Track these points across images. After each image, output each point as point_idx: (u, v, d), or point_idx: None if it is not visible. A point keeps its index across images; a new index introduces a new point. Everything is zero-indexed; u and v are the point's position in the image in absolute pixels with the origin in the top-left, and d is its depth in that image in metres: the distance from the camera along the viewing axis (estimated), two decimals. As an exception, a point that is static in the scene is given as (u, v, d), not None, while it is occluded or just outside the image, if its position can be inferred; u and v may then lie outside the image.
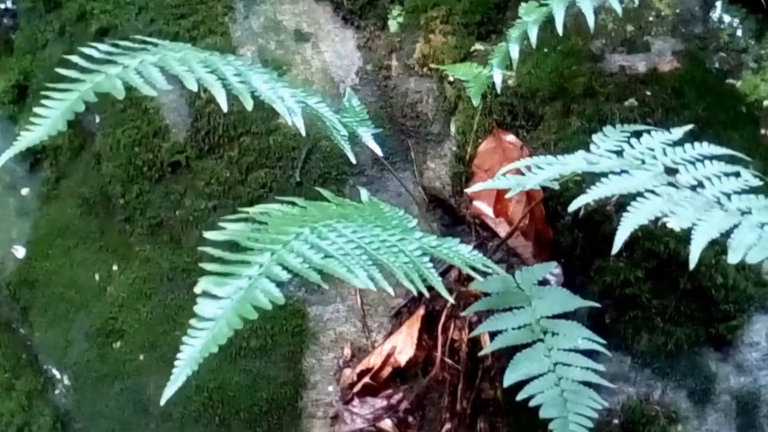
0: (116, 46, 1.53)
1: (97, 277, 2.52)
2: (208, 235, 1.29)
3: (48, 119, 1.42)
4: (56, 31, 2.60)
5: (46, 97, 1.43)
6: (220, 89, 1.53)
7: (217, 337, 1.20)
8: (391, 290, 1.43)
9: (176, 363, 1.23)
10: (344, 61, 2.44)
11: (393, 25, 2.43)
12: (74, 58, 1.47)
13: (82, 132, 2.56)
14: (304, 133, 1.65)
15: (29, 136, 1.42)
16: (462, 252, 1.73)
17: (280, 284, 1.25)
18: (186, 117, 2.42)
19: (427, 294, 1.50)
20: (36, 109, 1.42)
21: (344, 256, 1.38)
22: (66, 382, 2.54)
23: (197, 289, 1.25)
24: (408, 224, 1.68)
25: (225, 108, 1.52)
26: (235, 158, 2.38)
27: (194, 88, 1.51)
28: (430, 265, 1.58)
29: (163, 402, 1.25)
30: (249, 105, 1.56)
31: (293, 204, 1.50)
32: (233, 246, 1.31)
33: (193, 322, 1.22)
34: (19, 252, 2.62)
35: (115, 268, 2.51)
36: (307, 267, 1.31)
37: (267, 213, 1.42)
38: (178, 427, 2.38)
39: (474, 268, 1.72)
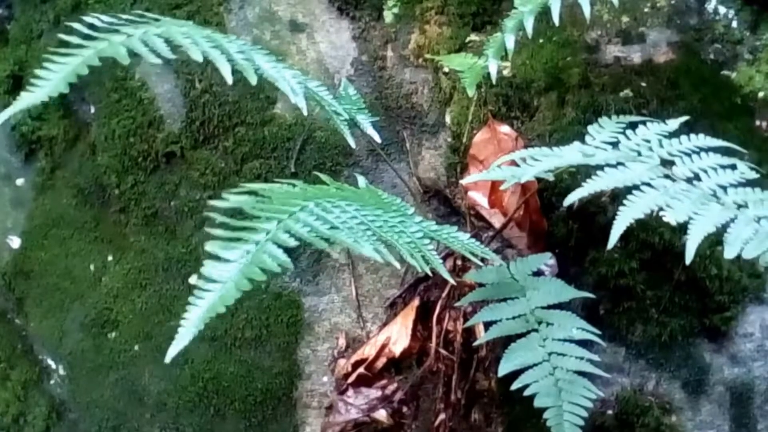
0: (119, 18, 1.52)
1: (92, 267, 2.52)
2: (214, 202, 1.29)
3: (50, 81, 1.40)
4: (51, 21, 2.60)
5: (50, 61, 1.42)
6: (225, 63, 1.52)
7: (225, 298, 1.20)
8: (397, 264, 1.44)
9: (182, 322, 1.22)
10: (339, 51, 2.44)
11: (388, 16, 2.43)
12: (77, 26, 1.46)
13: (77, 122, 2.56)
14: (306, 112, 1.65)
15: (30, 96, 1.40)
16: (461, 238, 1.73)
17: (287, 250, 1.25)
18: (181, 107, 2.41)
19: (430, 273, 1.50)
20: (38, 71, 1.41)
21: (349, 229, 1.38)
22: (61, 372, 2.54)
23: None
24: (406, 211, 1.68)
25: (230, 80, 1.50)
26: (230, 149, 2.38)
27: (199, 59, 1.50)
28: (432, 247, 1.58)
29: (168, 360, 1.24)
30: (253, 80, 1.55)
31: (293, 185, 1.50)
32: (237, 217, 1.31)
33: (200, 283, 1.22)
34: (14, 242, 2.62)
35: (110, 258, 2.51)
36: (315, 235, 1.31)
37: (270, 189, 1.42)
38: (172, 416, 2.38)
39: (473, 254, 1.73)
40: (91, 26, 1.47)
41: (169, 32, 1.52)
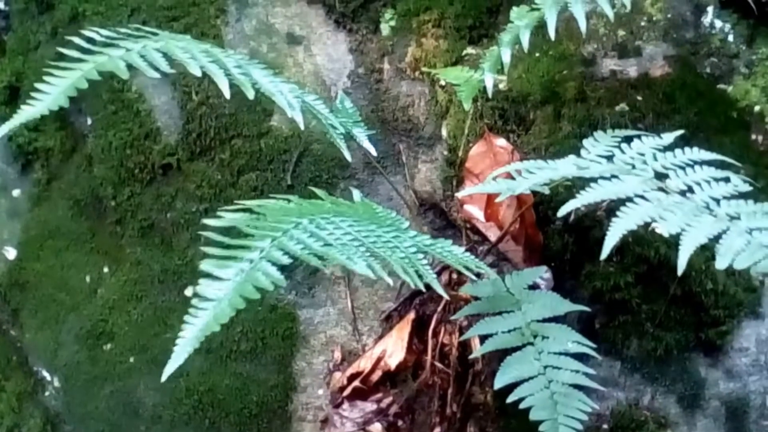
0: (118, 32, 1.53)
1: (87, 279, 2.52)
2: (209, 221, 1.29)
3: (50, 95, 1.41)
4: (48, 32, 2.60)
5: (49, 74, 1.42)
6: (223, 77, 1.53)
7: (219, 317, 1.22)
8: (389, 280, 1.44)
9: (178, 341, 1.23)
10: (336, 64, 2.44)
11: (385, 29, 2.43)
12: (77, 40, 1.47)
13: (73, 134, 2.56)
14: (303, 127, 1.66)
15: (30, 110, 1.41)
16: (455, 252, 1.73)
17: (280, 268, 1.26)
18: (177, 119, 2.41)
19: (423, 289, 1.50)
20: (38, 85, 1.41)
21: (343, 246, 1.39)
22: (56, 383, 2.53)
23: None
24: (401, 225, 1.68)
25: (228, 94, 1.52)
26: (226, 161, 2.38)
27: (198, 73, 1.51)
28: (425, 262, 1.59)
29: (164, 378, 1.25)
30: (251, 94, 1.56)
31: (288, 201, 1.51)
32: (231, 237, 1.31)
33: (195, 301, 1.23)
34: (10, 253, 2.62)
35: (105, 270, 2.50)
36: (308, 253, 1.31)
37: (264, 206, 1.43)
38: (167, 429, 2.38)
39: (467, 268, 1.73)
40: (90, 40, 1.48)
41: (167, 47, 1.53)
